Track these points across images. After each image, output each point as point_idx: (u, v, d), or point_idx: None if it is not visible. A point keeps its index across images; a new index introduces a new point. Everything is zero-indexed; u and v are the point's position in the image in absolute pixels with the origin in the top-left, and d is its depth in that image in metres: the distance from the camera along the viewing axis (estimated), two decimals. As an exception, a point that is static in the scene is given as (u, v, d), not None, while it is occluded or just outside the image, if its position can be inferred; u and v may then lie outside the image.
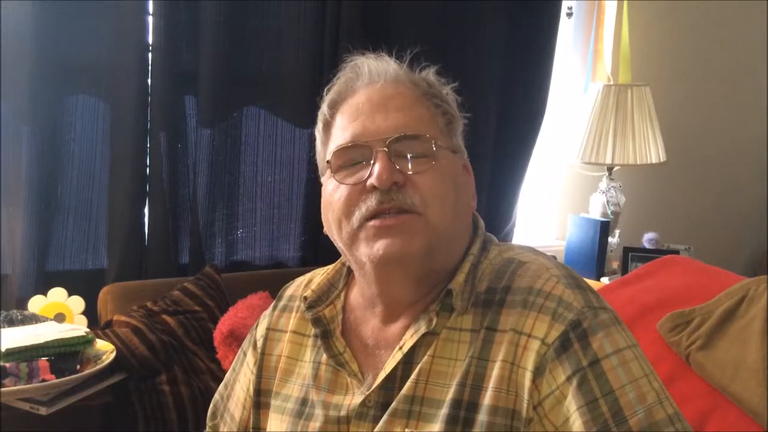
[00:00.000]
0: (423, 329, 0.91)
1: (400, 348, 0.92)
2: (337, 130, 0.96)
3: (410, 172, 0.90)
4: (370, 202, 0.89)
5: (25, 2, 1.90)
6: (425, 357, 0.90)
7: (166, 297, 1.95)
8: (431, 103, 0.96)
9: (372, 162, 0.90)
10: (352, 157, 0.93)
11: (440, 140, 0.94)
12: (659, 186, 2.99)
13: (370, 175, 0.90)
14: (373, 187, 0.89)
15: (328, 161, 0.95)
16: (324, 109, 0.99)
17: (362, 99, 0.94)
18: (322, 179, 0.99)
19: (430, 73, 1.00)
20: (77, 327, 1.72)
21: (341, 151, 0.93)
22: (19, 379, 1.50)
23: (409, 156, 0.91)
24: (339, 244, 0.96)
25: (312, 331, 1.01)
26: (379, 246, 0.89)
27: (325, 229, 0.98)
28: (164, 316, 1.89)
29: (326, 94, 1.00)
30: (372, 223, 0.90)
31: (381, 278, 0.93)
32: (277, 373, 1.04)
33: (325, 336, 0.99)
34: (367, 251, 0.90)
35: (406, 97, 0.94)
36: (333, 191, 0.94)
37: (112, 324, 1.85)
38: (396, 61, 0.98)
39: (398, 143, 0.91)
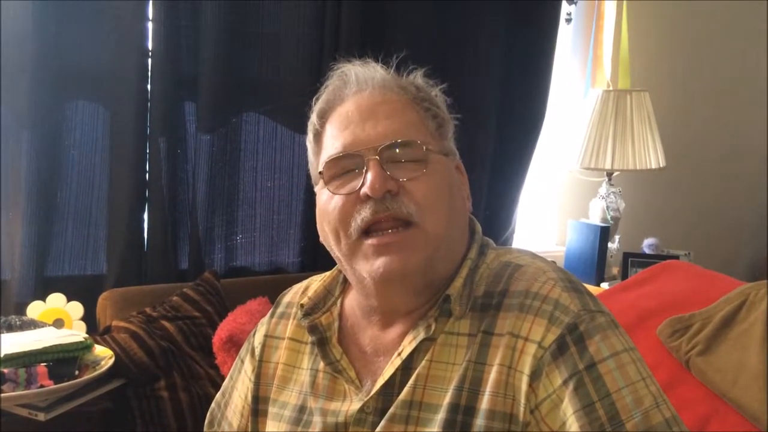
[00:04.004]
0: (422, 335, 0.90)
1: (399, 354, 0.92)
2: (328, 139, 0.96)
3: (403, 180, 0.90)
4: (365, 213, 0.89)
5: (25, 7, 1.90)
6: (423, 362, 0.90)
7: (165, 302, 1.95)
8: (420, 107, 0.96)
9: (364, 171, 0.90)
10: (344, 166, 0.93)
11: (431, 144, 0.94)
12: (659, 191, 2.99)
13: (363, 184, 0.89)
14: (367, 197, 0.89)
15: (320, 172, 0.95)
16: (314, 119, 0.99)
17: (351, 107, 0.94)
18: (316, 189, 0.99)
19: (417, 77, 1.00)
20: (76, 333, 1.71)
21: (333, 161, 0.93)
22: (18, 384, 1.49)
23: (401, 161, 0.91)
24: (337, 254, 0.96)
25: (309, 338, 1.01)
26: (380, 264, 0.89)
27: (321, 239, 0.98)
28: (163, 322, 1.89)
29: (315, 104, 1.00)
30: (370, 241, 0.90)
31: (381, 293, 0.93)
32: (275, 380, 1.04)
33: (321, 343, 0.99)
34: (368, 268, 0.90)
35: (395, 103, 0.94)
36: (327, 201, 0.94)
37: (111, 330, 1.85)
38: (383, 66, 0.98)
39: (389, 150, 0.91)
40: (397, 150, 0.91)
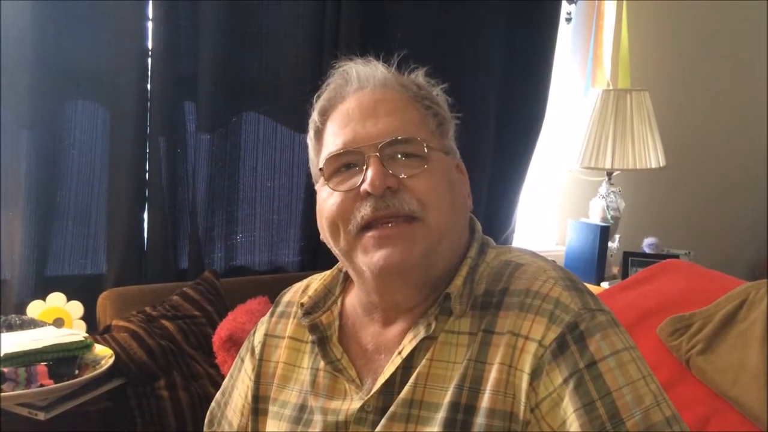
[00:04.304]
0: (422, 334, 0.90)
1: (399, 353, 0.92)
2: (329, 137, 0.96)
3: (404, 176, 0.90)
4: (365, 210, 0.89)
5: (25, 7, 1.90)
6: (423, 361, 0.90)
7: (165, 302, 1.95)
8: (421, 105, 0.96)
9: (365, 168, 0.90)
10: (345, 163, 0.93)
11: (432, 142, 0.94)
12: (659, 191, 2.99)
13: (363, 181, 0.89)
14: (367, 194, 0.89)
15: (321, 169, 0.95)
16: (314, 116, 0.99)
17: (352, 105, 0.94)
18: (316, 186, 0.99)
19: (419, 75, 0.99)
20: (76, 332, 1.71)
21: (333, 158, 0.93)
22: (18, 384, 1.50)
23: (401, 159, 0.91)
24: (336, 251, 0.96)
25: (309, 337, 1.01)
26: (379, 256, 0.89)
27: (322, 236, 0.98)
28: (163, 321, 1.89)
29: (316, 102, 1.00)
30: (371, 233, 0.89)
31: (381, 287, 0.93)
32: (275, 379, 1.03)
33: (322, 342, 0.99)
34: (367, 260, 0.90)
35: (396, 100, 0.94)
36: (327, 198, 0.94)
37: (111, 329, 1.85)
38: (384, 64, 0.98)
39: (390, 147, 0.91)
40: (398, 147, 0.91)
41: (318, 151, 0.98)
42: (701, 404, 1.45)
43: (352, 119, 0.93)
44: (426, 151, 0.92)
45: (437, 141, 0.95)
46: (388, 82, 0.96)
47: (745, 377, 1.42)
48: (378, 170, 0.89)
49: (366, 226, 0.90)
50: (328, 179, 0.94)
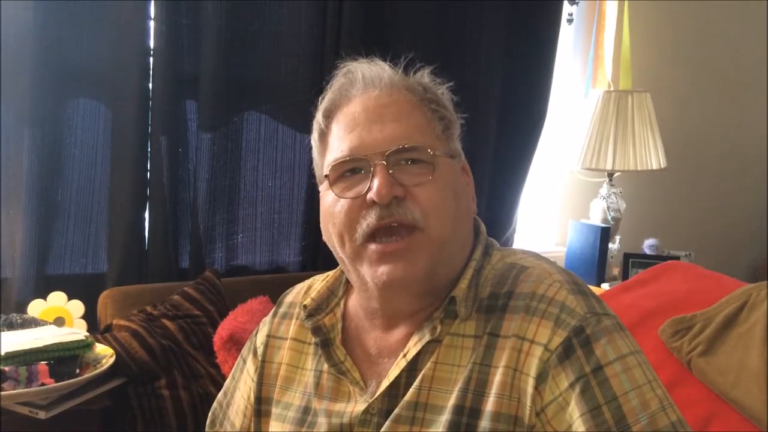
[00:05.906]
0: (427, 337, 0.90)
1: (404, 356, 0.91)
2: (334, 140, 0.94)
3: (410, 185, 0.89)
4: (371, 218, 0.89)
5: (26, 6, 1.90)
6: (428, 363, 0.90)
7: (166, 301, 1.95)
8: (428, 108, 0.94)
9: (371, 175, 0.89)
10: (350, 169, 0.92)
11: (438, 148, 0.93)
12: (660, 192, 2.99)
13: (369, 190, 0.89)
14: (373, 202, 0.88)
15: (326, 175, 0.94)
16: (319, 118, 0.97)
17: (358, 108, 0.93)
18: (320, 188, 0.98)
19: (424, 75, 0.98)
20: (77, 331, 1.72)
21: (339, 164, 0.92)
22: (19, 382, 1.50)
23: (407, 164, 0.90)
24: (341, 256, 0.95)
25: (312, 338, 1.01)
26: (383, 271, 0.89)
27: (325, 238, 0.97)
28: (164, 321, 1.89)
29: (320, 103, 0.98)
30: (374, 247, 0.89)
31: (384, 297, 0.93)
32: (278, 380, 1.03)
33: (325, 345, 0.99)
34: (371, 273, 0.90)
35: (402, 104, 0.93)
36: (332, 204, 0.93)
37: (112, 328, 1.85)
38: (390, 65, 0.97)
39: (396, 155, 0.90)
40: (404, 155, 0.90)
41: (322, 153, 0.97)
42: (702, 405, 1.45)
43: (357, 124, 0.92)
44: (432, 158, 0.91)
45: (443, 145, 0.94)
46: (395, 84, 0.94)
47: (746, 379, 1.42)
48: (384, 179, 0.88)
49: (371, 235, 0.89)
50: (333, 184, 0.93)
